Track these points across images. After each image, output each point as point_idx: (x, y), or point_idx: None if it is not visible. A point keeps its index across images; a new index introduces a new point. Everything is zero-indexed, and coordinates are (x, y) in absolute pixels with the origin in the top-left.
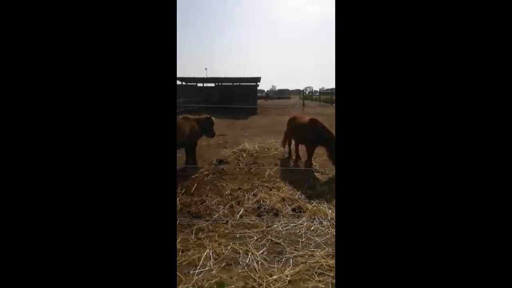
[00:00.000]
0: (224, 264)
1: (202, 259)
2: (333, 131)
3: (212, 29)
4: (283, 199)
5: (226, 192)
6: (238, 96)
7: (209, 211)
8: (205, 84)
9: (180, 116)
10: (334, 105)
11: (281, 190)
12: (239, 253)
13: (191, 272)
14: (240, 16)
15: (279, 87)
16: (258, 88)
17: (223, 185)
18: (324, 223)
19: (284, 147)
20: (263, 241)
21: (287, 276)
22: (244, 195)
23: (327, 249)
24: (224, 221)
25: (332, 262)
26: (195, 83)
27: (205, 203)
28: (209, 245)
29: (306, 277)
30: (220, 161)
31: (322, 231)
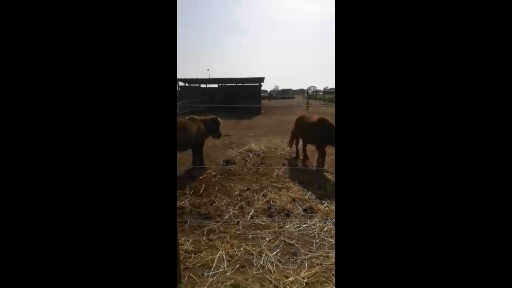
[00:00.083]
0: (238, 265)
1: (216, 260)
2: None
3: (213, 30)
4: (294, 200)
5: (235, 193)
6: (241, 97)
7: (219, 212)
8: (208, 85)
9: (187, 117)
10: None
11: (291, 191)
12: (253, 255)
13: (205, 274)
14: (241, 16)
15: (280, 87)
16: (261, 88)
17: (232, 185)
18: None
19: (291, 147)
20: (276, 242)
21: (303, 278)
22: (254, 196)
23: None
24: (235, 222)
25: None
26: (198, 84)
27: (214, 204)
28: (221, 247)
29: (323, 279)
30: (227, 162)
31: None
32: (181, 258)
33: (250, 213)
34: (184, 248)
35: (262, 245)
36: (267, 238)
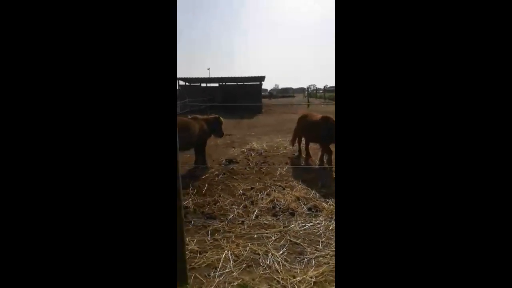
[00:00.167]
0: (244, 265)
1: (221, 260)
2: None
3: (214, 30)
4: (298, 198)
5: (239, 192)
6: (242, 96)
7: (223, 212)
8: (209, 84)
9: (189, 116)
10: None
11: (294, 189)
12: (259, 254)
13: (212, 274)
14: (241, 17)
15: (280, 86)
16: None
17: (235, 185)
18: None
19: (293, 145)
20: (282, 242)
21: (311, 277)
22: (257, 195)
23: None
24: (240, 222)
25: None
26: (198, 83)
27: (218, 204)
28: (226, 246)
29: (331, 278)
30: (230, 161)
31: None
32: (186, 258)
33: (255, 213)
34: (189, 248)
35: (268, 244)
36: (273, 238)
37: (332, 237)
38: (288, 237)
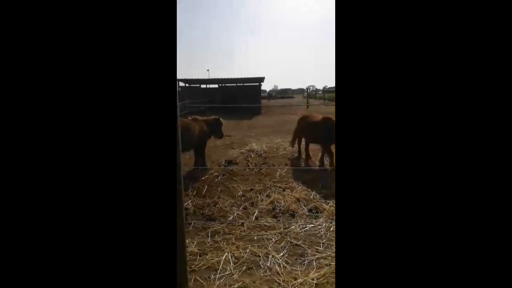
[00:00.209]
0: (244, 267)
1: (222, 263)
2: None
3: (214, 31)
4: (298, 200)
5: (238, 194)
6: (241, 97)
7: (223, 213)
8: (208, 85)
9: (190, 117)
10: None
11: (294, 191)
12: (259, 256)
13: (212, 277)
14: (241, 17)
15: (279, 86)
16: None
17: (235, 186)
18: None
19: (293, 146)
20: (282, 243)
21: (312, 279)
22: (257, 196)
23: None
24: (240, 223)
25: None
26: (198, 85)
27: (218, 205)
28: (226, 248)
29: (333, 280)
30: (229, 162)
31: None
32: (187, 260)
33: (255, 214)
34: (189, 250)
35: (268, 246)
36: (273, 239)
37: (332, 238)
38: (289, 239)
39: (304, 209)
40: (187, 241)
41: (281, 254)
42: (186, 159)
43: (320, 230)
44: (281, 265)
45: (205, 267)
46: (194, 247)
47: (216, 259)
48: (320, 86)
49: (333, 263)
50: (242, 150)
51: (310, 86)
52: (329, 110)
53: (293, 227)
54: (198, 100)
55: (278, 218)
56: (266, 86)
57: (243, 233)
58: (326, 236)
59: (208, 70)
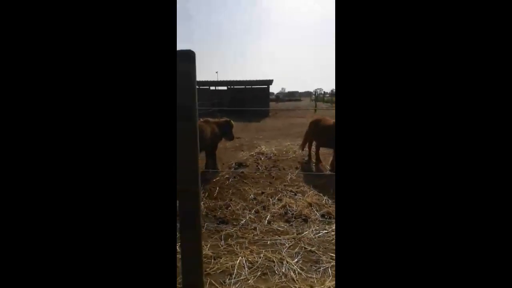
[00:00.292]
0: (259, 273)
1: (236, 267)
2: None
3: (224, 32)
4: (310, 204)
5: (250, 197)
6: (250, 99)
7: (235, 216)
8: (217, 87)
9: (201, 119)
10: None
11: (306, 195)
12: (274, 262)
13: (227, 281)
14: (251, 18)
15: (286, 89)
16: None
17: (246, 189)
18: None
19: (303, 150)
20: (296, 249)
21: (329, 287)
22: (269, 200)
23: None
24: (252, 227)
25: None
26: (207, 86)
27: (230, 208)
28: (240, 252)
29: None
30: (239, 164)
31: None
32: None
33: (267, 218)
34: (203, 253)
35: (282, 251)
36: (287, 245)
37: None
38: (303, 245)
39: (316, 214)
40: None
41: (296, 260)
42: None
43: (333, 237)
44: (296, 272)
45: (219, 271)
46: (208, 250)
47: (230, 263)
48: (327, 89)
49: None
50: (252, 153)
51: (318, 89)
52: None
53: (306, 232)
54: (207, 102)
55: (291, 223)
56: (273, 89)
57: (256, 237)
58: None
59: (217, 72)
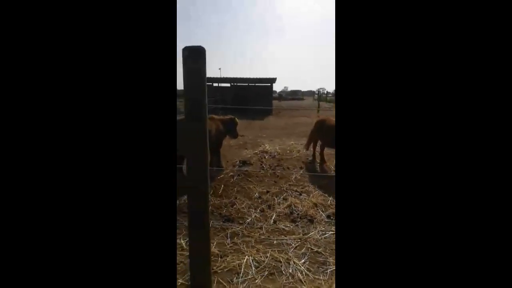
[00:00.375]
0: (266, 273)
1: (243, 266)
2: None
3: (225, 31)
4: (316, 205)
5: (255, 195)
6: (253, 97)
7: (240, 215)
8: (220, 84)
9: None
10: None
11: (311, 195)
12: (280, 262)
13: (234, 280)
14: (252, 18)
15: (289, 88)
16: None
17: (251, 187)
18: None
19: (307, 149)
20: (303, 250)
21: None
22: (274, 199)
23: None
24: (258, 226)
25: None
26: (211, 83)
27: (235, 206)
28: (247, 251)
29: None
30: (244, 162)
31: None
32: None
33: (273, 217)
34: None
35: (288, 252)
36: (293, 245)
37: None
38: (309, 245)
39: (322, 215)
40: None
41: (302, 261)
42: None
43: None
44: (303, 273)
45: (226, 269)
46: (214, 248)
47: (237, 262)
48: (329, 89)
49: None
50: (256, 151)
51: (321, 88)
52: None
53: (312, 233)
54: (211, 98)
55: (297, 223)
56: (276, 87)
57: (262, 237)
58: None
59: (220, 69)
